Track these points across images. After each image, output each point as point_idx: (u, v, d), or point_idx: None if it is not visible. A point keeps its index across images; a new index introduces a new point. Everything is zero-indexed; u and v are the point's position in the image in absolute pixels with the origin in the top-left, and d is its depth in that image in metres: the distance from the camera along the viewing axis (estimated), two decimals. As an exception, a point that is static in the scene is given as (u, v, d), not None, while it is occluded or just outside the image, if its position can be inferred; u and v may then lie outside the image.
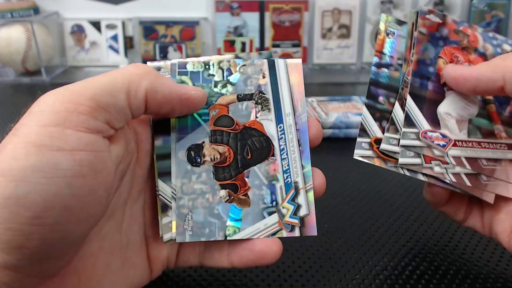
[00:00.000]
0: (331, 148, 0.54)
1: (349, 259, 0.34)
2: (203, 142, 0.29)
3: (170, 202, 0.28)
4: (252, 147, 0.29)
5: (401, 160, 0.30)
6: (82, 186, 0.22)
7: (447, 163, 0.30)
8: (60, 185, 0.21)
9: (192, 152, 0.29)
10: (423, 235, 0.37)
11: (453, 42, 0.32)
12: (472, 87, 0.29)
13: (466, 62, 0.32)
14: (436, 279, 0.32)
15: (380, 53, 0.33)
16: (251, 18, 0.89)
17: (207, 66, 0.30)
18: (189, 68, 0.30)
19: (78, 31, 0.90)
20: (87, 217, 0.23)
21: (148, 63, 0.30)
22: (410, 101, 0.30)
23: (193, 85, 0.29)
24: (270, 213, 0.28)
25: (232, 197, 0.28)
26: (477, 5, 0.90)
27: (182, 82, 0.30)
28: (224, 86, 0.30)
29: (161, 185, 0.28)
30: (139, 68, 0.26)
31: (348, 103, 0.61)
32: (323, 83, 0.83)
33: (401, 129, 0.30)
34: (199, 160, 0.29)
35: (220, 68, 0.30)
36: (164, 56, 0.90)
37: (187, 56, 0.90)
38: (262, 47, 0.90)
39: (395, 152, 0.30)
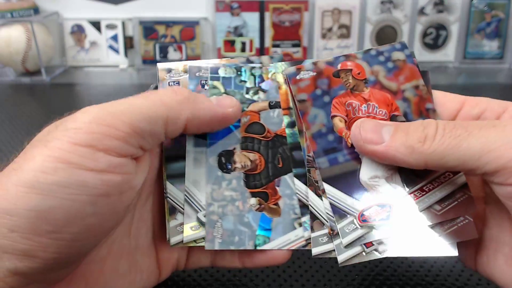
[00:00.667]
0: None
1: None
2: (234, 148, 0.28)
3: (178, 205, 0.28)
4: (283, 155, 0.28)
5: (341, 258, 0.26)
6: (105, 205, 0.22)
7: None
8: (84, 203, 0.21)
9: (223, 158, 0.28)
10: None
11: (338, 90, 0.28)
12: (392, 162, 0.25)
13: (362, 103, 0.28)
14: (436, 280, 0.32)
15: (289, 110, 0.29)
16: (251, 18, 0.89)
17: (239, 72, 0.29)
18: (221, 73, 0.29)
19: (78, 31, 0.90)
20: (104, 232, 0.23)
21: (159, 64, 0.29)
22: (329, 189, 0.26)
23: (225, 90, 0.29)
24: (301, 224, 0.28)
25: (263, 205, 0.28)
26: (477, 5, 0.90)
27: (214, 87, 0.29)
28: (255, 93, 0.29)
29: (169, 187, 0.28)
30: (179, 95, 0.25)
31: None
32: (323, 83, 0.83)
33: (327, 221, 0.26)
34: (229, 166, 0.28)
35: (252, 74, 0.30)
36: (164, 56, 0.90)
37: (187, 57, 0.90)
38: (262, 47, 0.90)
39: (330, 251, 0.26)
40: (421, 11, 0.91)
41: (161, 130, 0.24)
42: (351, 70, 0.28)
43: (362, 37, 0.91)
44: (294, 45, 0.90)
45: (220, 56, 0.90)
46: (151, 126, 0.23)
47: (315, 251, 0.27)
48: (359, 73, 0.28)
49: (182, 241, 0.27)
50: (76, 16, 0.90)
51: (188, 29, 0.89)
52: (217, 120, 0.27)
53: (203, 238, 0.27)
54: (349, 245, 0.26)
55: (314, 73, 0.28)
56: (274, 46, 0.90)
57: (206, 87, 0.29)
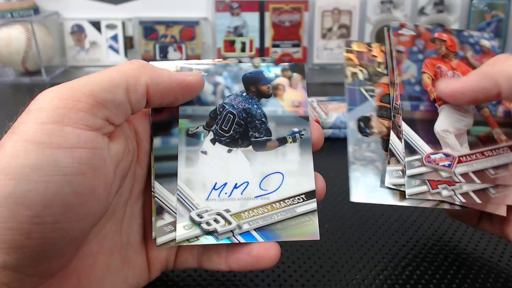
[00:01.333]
0: (331, 148, 0.54)
1: (349, 259, 0.34)
2: (371, 115, 0.32)
3: (166, 205, 0.28)
4: None
5: (408, 191, 0.29)
6: (81, 184, 0.21)
7: (454, 184, 0.29)
8: (59, 183, 0.21)
9: (361, 123, 0.32)
10: (423, 235, 0.37)
11: (432, 53, 0.32)
12: (471, 99, 0.29)
13: (449, 70, 0.32)
14: (436, 279, 0.32)
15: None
16: (251, 18, 0.89)
17: (369, 48, 0.34)
18: (354, 47, 0.34)
19: (78, 31, 0.90)
20: (87, 215, 0.22)
21: (153, 63, 0.28)
22: (406, 128, 0.30)
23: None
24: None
25: None
26: (477, 5, 0.90)
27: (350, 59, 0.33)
28: (386, 67, 0.33)
29: (157, 187, 0.28)
30: (135, 64, 0.26)
31: (348, 103, 0.61)
32: (323, 83, 0.83)
33: (403, 159, 0.30)
34: (367, 131, 0.31)
35: (382, 51, 0.34)
36: (164, 56, 0.90)
37: (187, 56, 0.90)
38: (262, 47, 0.90)
39: (401, 185, 0.29)
40: (421, 11, 0.91)
41: (123, 98, 0.24)
42: (445, 41, 0.33)
43: (362, 37, 0.91)
44: (294, 45, 0.90)
45: (220, 56, 0.90)
46: (113, 95, 0.23)
47: (389, 181, 0.30)
48: (451, 45, 0.33)
49: (172, 240, 0.27)
50: (76, 16, 0.90)
51: (188, 29, 0.89)
52: (179, 88, 0.27)
53: (196, 237, 0.27)
54: (412, 177, 0.29)
55: (414, 33, 0.33)
56: (274, 46, 0.90)
57: None
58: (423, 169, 0.30)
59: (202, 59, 0.90)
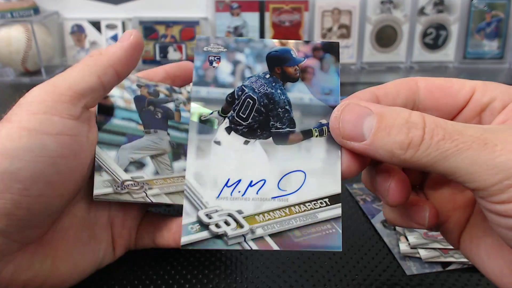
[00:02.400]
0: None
1: (349, 259, 0.34)
2: None
3: (104, 165, 0.30)
4: None
5: (424, 256, 0.34)
6: (63, 165, 0.26)
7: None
8: (46, 163, 0.25)
9: None
10: (423, 235, 0.37)
11: None
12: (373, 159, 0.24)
13: None
14: (435, 278, 0.32)
15: None
16: (251, 18, 0.89)
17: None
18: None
19: (78, 31, 0.90)
20: (66, 192, 0.27)
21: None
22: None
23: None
24: None
25: None
26: (477, 5, 0.90)
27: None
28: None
29: (97, 150, 0.30)
30: (93, 55, 0.29)
31: (348, 103, 0.61)
32: (323, 83, 0.83)
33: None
34: None
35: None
36: (164, 56, 0.90)
37: (187, 57, 0.90)
38: (262, 47, 0.90)
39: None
40: (421, 11, 0.91)
41: (96, 84, 0.28)
42: None
43: (362, 37, 0.91)
44: (294, 45, 0.90)
45: (220, 56, 0.90)
46: (87, 84, 0.27)
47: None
48: None
49: (107, 194, 0.30)
50: (76, 16, 0.90)
51: (188, 29, 0.89)
52: (130, 51, 0.29)
53: (202, 240, 0.25)
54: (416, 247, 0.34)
55: None
56: (274, 46, 0.90)
57: (215, 64, 0.28)
58: (423, 241, 0.35)
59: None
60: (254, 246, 0.25)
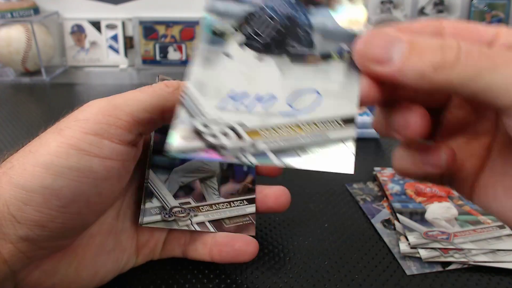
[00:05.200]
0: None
1: (349, 259, 0.34)
2: (389, 217, 0.38)
3: (155, 191, 0.31)
4: None
5: (424, 256, 0.34)
6: (105, 187, 0.26)
7: (462, 249, 0.35)
8: (89, 185, 0.25)
9: (385, 223, 0.39)
10: (423, 235, 0.37)
11: (409, 180, 0.44)
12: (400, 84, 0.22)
13: (427, 187, 0.43)
14: (435, 278, 0.32)
15: None
16: (251, 18, 0.88)
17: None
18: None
19: (78, 31, 0.90)
20: (102, 209, 0.27)
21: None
22: (400, 216, 0.39)
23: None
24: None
25: None
26: (477, 5, 0.90)
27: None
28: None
29: (151, 175, 0.32)
30: (170, 87, 0.28)
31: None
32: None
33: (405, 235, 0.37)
34: (391, 227, 0.38)
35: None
36: (164, 56, 0.90)
37: (187, 56, 0.90)
38: (262, 47, 0.90)
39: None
40: (421, 11, 0.91)
41: (158, 118, 0.27)
42: None
43: (362, 37, 0.91)
44: (294, 45, 0.90)
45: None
46: (149, 115, 0.27)
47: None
48: None
49: (153, 222, 0.31)
50: (76, 16, 0.90)
51: (188, 29, 0.89)
52: None
53: (195, 150, 0.22)
54: (415, 247, 0.35)
55: (393, 172, 0.47)
56: (274, 46, 0.90)
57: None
58: (423, 241, 0.36)
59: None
60: (253, 161, 0.22)
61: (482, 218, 0.38)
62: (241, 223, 0.33)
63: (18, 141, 0.55)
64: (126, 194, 0.31)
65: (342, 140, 0.22)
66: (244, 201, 0.33)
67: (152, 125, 0.28)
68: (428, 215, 0.39)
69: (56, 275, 0.27)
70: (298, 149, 0.22)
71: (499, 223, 0.37)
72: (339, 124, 0.23)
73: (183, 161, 0.33)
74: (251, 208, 0.33)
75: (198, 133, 0.22)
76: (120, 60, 0.91)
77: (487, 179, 0.25)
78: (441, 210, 0.39)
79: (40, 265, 0.26)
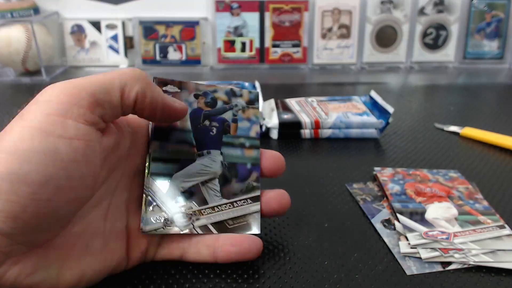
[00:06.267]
0: (331, 148, 0.54)
1: (349, 259, 0.34)
2: (389, 218, 0.38)
3: (155, 199, 0.32)
4: None
5: (424, 256, 0.34)
6: (74, 170, 0.25)
7: (462, 249, 0.35)
8: (57, 167, 0.24)
9: (385, 223, 0.39)
10: (423, 235, 0.37)
11: (410, 180, 0.44)
12: None
13: (427, 187, 0.43)
14: (435, 278, 0.32)
15: None
16: (251, 18, 0.89)
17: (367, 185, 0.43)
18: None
19: (78, 31, 0.90)
20: (76, 198, 0.26)
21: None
22: (400, 216, 0.39)
23: None
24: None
25: None
26: (477, 5, 0.90)
27: None
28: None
29: (150, 182, 0.32)
30: (135, 72, 0.28)
31: (348, 103, 0.61)
32: (323, 83, 0.83)
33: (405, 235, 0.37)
34: (391, 227, 0.37)
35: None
36: (164, 56, 0.90)
37: (187, 56, 0.90)
38: (262, 47, 0.90)
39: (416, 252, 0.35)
40: (421, 11, 0.91)
41: (117, 101, 0.27)
42: (418, 174, 0.47)
43: (362, 37, 0.91)
44: (294, 45, 0.90)
45: (220, 57, 0.90)
46: (110, 97, 0.27)
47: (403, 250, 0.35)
48: (424, 175, 0.47)
49: (157, 229, 0.31)
50: (76, 16, 0.90)
51: (188, 29, 0.89)
52: (161, 106, 0.30)
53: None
54: (416, 246, 0.35)
55: (393, 172, 0.48)
56: (274, 46, 0.90)
57: None
58: (424, 240, 0.36)
59: (202, 59, 0.90)
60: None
61: (482, 218, 0.38)
62: (245, 222, 0.33)
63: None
64: (114, 195, 0.31)
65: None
66: (248, 199, 0.34)
67: (113, 109, 0.27)
68: (428, 215, 0.39)
69: (36, 274, 0.26)
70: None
71: (500, 223, 0.37)
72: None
73: (183, 165, 0.33)
74: (256, 207, 0.33)
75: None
76: (120, 60, 0.91)
77: None
78: (441, 210, 0.40)
79: (19, 261, 0.25)
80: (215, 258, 0.32)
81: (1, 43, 0.80)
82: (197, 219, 0.32)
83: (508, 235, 0.36)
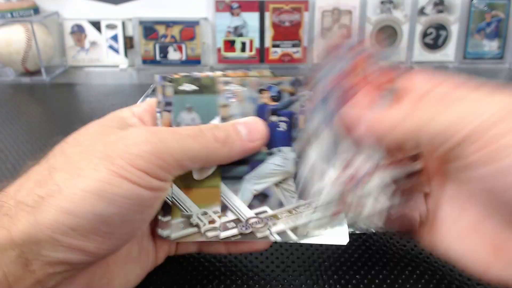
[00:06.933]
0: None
1: (349, 259, 0.34)
2: None
3: (229, 204, 0.30)
4: None
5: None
6: (147, 213, 0.27)
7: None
8: (136, 211, 0.26)
9: None
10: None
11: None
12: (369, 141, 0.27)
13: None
14: (436, 279, 0.32)
15: None
16: (251, 18, 0.89)
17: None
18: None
19: (78, 31, 0.90)
20: (140, 230, 0.28)
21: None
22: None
23: None
24: None
25: None
26: (477, 5, 0.90)
27: None
28: None
29: (223, 189, 0.30)
30: (219, 141, 0.28)
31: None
32: (323, 83, 0.83)
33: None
34: None
35: None
36: (164, 56, 0.90)
37: (187, 56, 0.90)
38: (262, 47, 0.90)
39: None
40: (421, 11, 0.91)
41: (197, 167, 0.29)
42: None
43: (362, 37, 0.91)
44: (294, 45, 0.90)
45: (220, 57, 0.90)
46: (193, 165, 0.28)
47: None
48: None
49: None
50: (76, 16, 0.90)
51: (188, 29, 0.89)
52: (246, 153, 0.30)
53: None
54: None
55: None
56: (274, 46, 0.90)
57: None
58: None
59: (202, 59, 0.90)
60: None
61: None
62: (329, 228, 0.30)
63: (18, 141, 0.55)
64: None
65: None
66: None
67: (190, 170, 0.29)
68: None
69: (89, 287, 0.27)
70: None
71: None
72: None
73: (253, 166, 0.31)
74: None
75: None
76: (120, 60, 0.92)
77: (442, 225, 0.28)
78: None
79: (74, 280, 0.26)
80: (228, 250, 0.32)
81: (1, 43, 0.80)
82: (274, 224, 0.30)
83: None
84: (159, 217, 0.30)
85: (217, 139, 0.28)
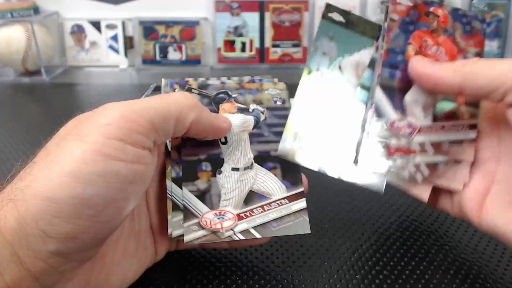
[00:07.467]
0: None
1: (349, 259, 0.34)
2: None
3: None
4: None
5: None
6: (131, 191, 0.26)
7: (409, 155, 0.31)
8: (117, 189, 0.25)
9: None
10: (423, 234, 0.37)
11: (423, 26, 0.33)
12: (431, 87, 0.30)
13: (434, 45, 0.32)
14: (436, 279, 0.32)
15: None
16: (251, 18, 0.89)
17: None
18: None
19: (78, 31, 0.90)
20: (127, 214, 0.27)
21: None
22: (378, 93, 0.31)
23: None
24: None
25: None
26: (477, 5, 0.90)
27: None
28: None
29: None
30: (190, 101, 0.29)
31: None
32: (323, 83, 0.83)
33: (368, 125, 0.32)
34: None
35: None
36: (164, 56, 0.90)
37: (187, 57, 0.90)
38: (262, 47, 0.90)
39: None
40: (421, 11, 0.91)
41: (171, 128, 0.28)
42: (438, 16, 0.33)
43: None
44: (294, 45, 0.90)
45: (220, 57, 0.90)
46: (165, 124, 0.27)
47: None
48: (443, 22, 0.33)
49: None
50: (76, 16, 0.90)
51: (188, 29, 0.89)
52: (212, 129, 0.31)
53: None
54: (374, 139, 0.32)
55: (411, 4, 0.33)
56: (274, 46, 0.90)
57: None
58: (386, 134, 0.31)
59: (202, 59, 0.90)
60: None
61: (462, 109, 0.32)
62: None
63: (18, 141, 0.55)
64: None
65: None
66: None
67: (165, 135, 0.28)
68: (408, 96, 0.32)
69: (88, 285, 0.27)
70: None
71: (474, 121, 0.32)
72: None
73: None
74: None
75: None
76: (120, 60, 0.92)
77: (493, 197, 0.30)
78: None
79: (72, 278, 0.26)
80: (230, 244, 0.33)
81: (1, 43, 0.80)
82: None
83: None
84: (169, 218, 0.30)
85: (187, 98, 0.29)
